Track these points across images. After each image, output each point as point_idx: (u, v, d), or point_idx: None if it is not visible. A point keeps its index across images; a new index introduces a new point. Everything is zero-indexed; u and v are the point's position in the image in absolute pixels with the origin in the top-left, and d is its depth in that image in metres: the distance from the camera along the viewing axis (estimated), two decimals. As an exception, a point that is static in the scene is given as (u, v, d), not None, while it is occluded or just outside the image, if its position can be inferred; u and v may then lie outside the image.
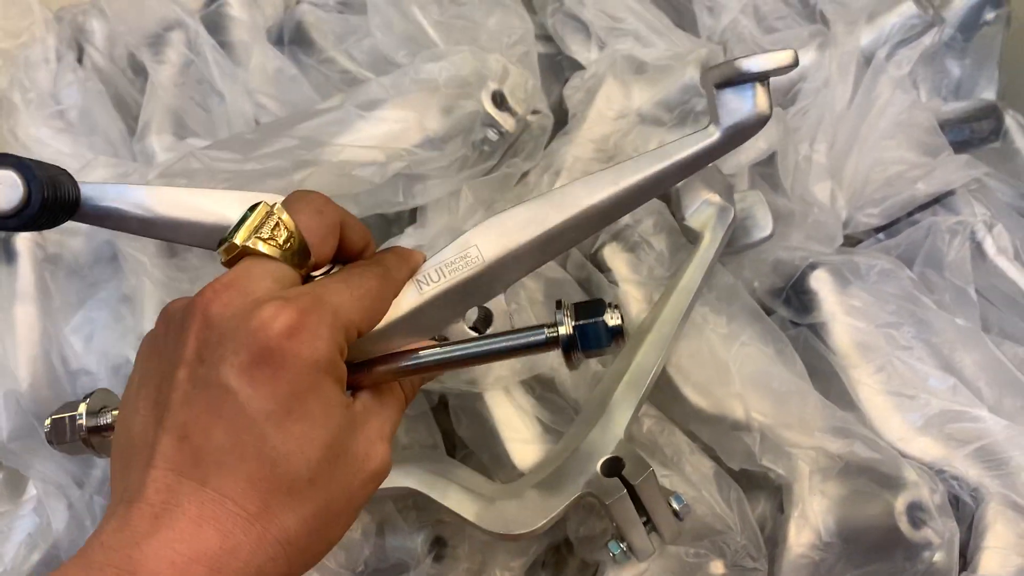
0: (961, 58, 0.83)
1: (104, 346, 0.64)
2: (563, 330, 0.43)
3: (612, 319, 0.43)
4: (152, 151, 0.70)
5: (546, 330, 0.43)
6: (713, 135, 0.45)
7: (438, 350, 0.44)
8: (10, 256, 0.63)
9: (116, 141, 0.75)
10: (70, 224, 0.65)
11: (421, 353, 0.44)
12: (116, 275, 0.66)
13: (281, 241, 0.39)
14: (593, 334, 0.43)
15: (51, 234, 0.64)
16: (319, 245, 0.41)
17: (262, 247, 0.39)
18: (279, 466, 0.35)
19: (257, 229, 0.39)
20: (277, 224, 0.39)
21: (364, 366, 0.43)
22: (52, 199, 0.40)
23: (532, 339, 0.43)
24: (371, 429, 0.40)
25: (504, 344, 0.44)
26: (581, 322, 0.43)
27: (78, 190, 0.43)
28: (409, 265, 0.45)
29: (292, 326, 0.35)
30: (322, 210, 0.42)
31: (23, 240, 0.63)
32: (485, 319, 0.49)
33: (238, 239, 0.39)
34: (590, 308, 0.44)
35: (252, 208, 0.39)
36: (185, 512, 0.33)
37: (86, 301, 0.65)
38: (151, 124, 0.72)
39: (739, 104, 0.43)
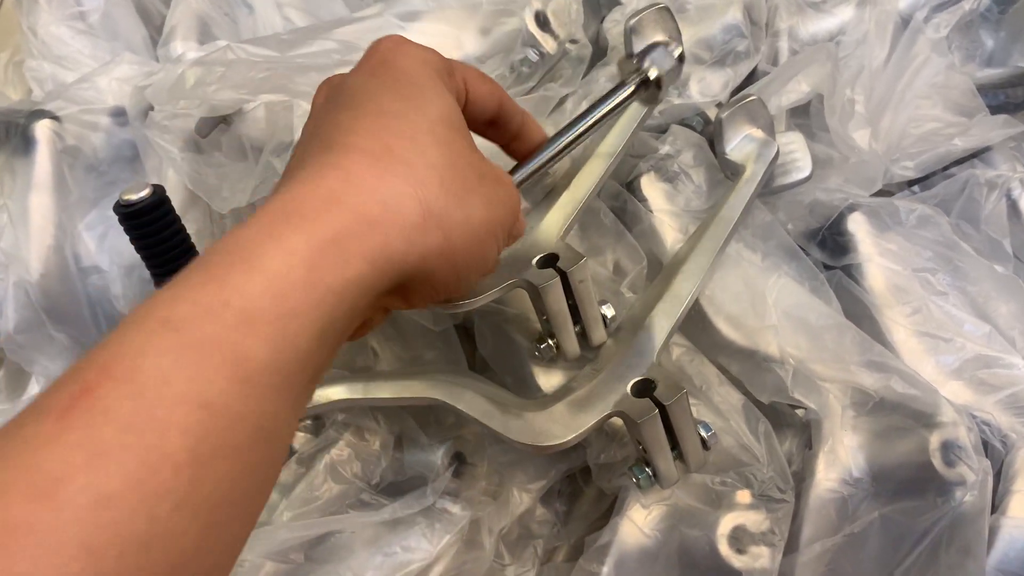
0: (996, 30, 0.82)
1: (119, 246, 0.62)
2: (653, 73, 0.58)
3: (676, 49, 0.59)
4: (177, 55, 0.68)
5: (633, 82, 0.57)
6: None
7: (557, 139, 0.52)
8: (28, 145, 0.60)
9: (138, 47, 0.73)
10: (90, 117, 0.63)
11: (545, 148, 0.52)
12: (135, 175, 0.64)
13: None
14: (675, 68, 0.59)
15: (71, 125, 0.62)
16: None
17: None
18: (397, 119, 0.36)
19: None
20: None
21: None
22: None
23: (628, 92, 0.56)
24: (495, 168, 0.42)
25: (606, 108, 0.55)
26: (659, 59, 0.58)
27: None
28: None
29: (403, 40, 0.41)
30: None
31: (42, 128, 0.60)
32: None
33: None
34: (654, 47, 0.59)
35: None
36: (314, 162, 0.34)
37: (102, 200, 0.63)
38: (177, 30, 0.70)
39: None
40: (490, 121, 0.47)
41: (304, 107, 0.54)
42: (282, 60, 0.54)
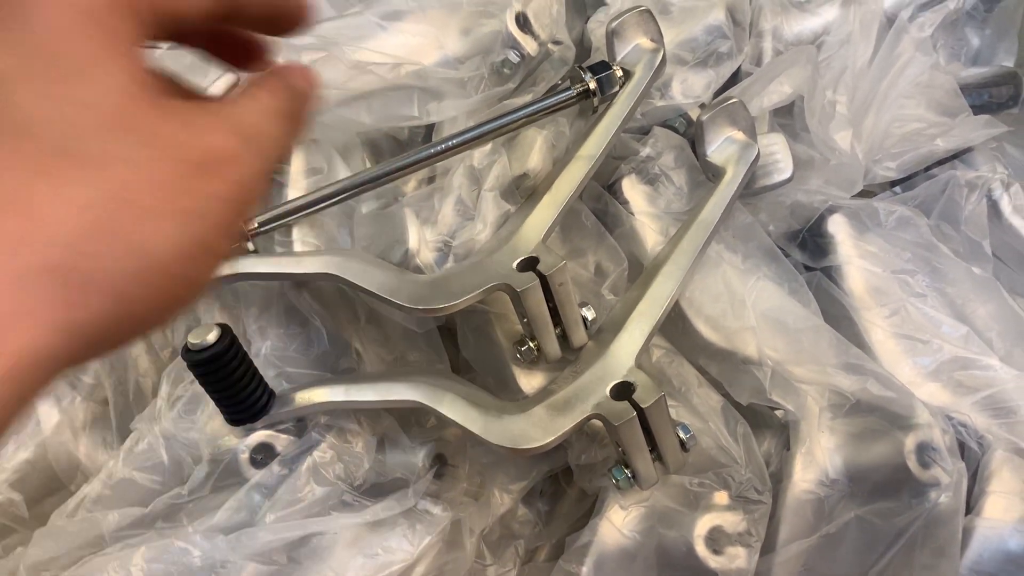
0: (981, 28, 0.82)
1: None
2: (592, 85, 0.61)
3: (618, 72, 0.62)
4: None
5: (574, 88, 0.61)
6: None
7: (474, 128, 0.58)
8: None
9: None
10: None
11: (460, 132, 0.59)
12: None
13: None
14: (608, 82, 0.61)
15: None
16: None
17: None
18: (36, 135, 0.25)
19: None
20: None
21: None
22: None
23: (564, 97, 0.61)
24: (206, 117, 0.29)
25: (540, 105, 0.60)
26: (600, 76, 0.61)
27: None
28: None
29: None
30: None
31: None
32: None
33: None
34: (600, 66, 0.62)
35: None
36: None
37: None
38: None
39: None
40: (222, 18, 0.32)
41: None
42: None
